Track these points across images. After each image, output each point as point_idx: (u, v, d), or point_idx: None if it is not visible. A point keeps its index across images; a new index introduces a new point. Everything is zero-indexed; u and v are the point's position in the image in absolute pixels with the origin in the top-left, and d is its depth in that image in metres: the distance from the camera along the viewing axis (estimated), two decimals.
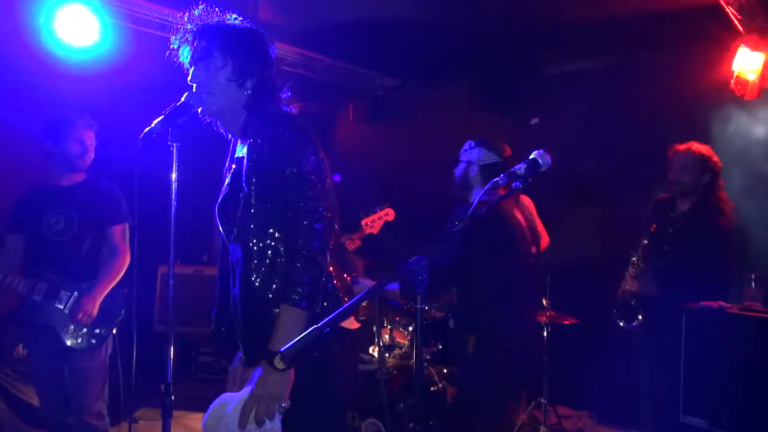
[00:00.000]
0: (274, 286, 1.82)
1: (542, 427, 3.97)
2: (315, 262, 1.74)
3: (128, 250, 3.17)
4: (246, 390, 1.72)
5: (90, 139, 3.12)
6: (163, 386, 1.85)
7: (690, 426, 2.91)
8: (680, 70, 4.32)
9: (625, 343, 3.64)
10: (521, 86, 5.25)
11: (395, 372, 3.92)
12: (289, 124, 1.87)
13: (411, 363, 4.05)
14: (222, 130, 2.08)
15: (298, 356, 1.48)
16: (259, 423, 1.68)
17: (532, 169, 1.73)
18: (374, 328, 4.33)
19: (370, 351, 4.19)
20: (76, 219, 3.04)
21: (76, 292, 2.99)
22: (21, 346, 4.11)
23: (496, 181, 1.72)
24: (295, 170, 1.80)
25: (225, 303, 2.02)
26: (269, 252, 1.84)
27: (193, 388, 5.14)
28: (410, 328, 4.07)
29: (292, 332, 1.66)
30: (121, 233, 3.18)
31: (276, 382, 1.68)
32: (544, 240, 4.51)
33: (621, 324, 3.46)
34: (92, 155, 3.14)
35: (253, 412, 1.68)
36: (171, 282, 1.89)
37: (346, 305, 1.45)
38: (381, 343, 4.13)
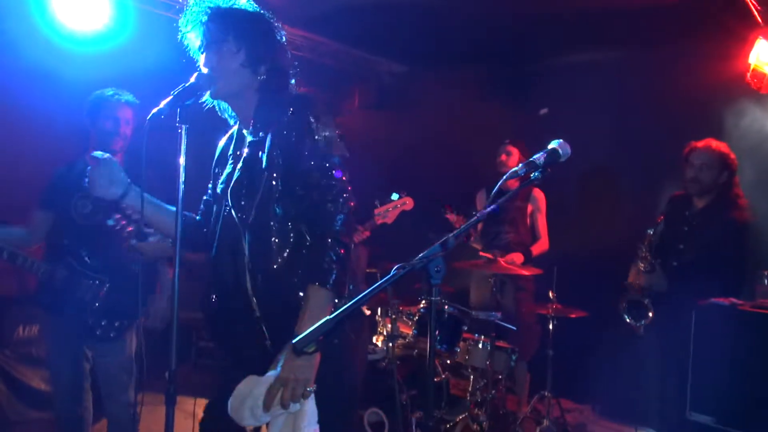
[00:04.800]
0: (299, 269, 1.80)
1: (545, 420, 3.95)
2: (343, 244, 1.74)
3: None
4: (272, 373, 1.72)
5: (126, 116, 2.95)
6: (167, 374, 1.82)
7: (697, 423, 2.88)
8: (694, 62, 4.25)
9: (632, 337, 3.60)
10: (531, 75, 5.18)
11: (398, 362, 3.90)
12: (312, 108, 1.85)
13: (414, 353, 4.03)
14: (227, 115, 2.04)
15: (324, 340, 1.47)
16: (285, 406, 1.68)
17: (551, 159, 1.68)
18: (377, 317, 4.31)
19: (374, 341, 4.17)
20: (104, 204, 2.88)
21: (96, 281, 2.90)
22: (21, 327, 4.09)
23: (516, 170, 1.66)
24: (322, 154, 1.80)
25: (228, 289, 1.98)
26: (291, 235, 1.83)
27: (193, 373, 5.13)
28: (415, 318, 4.03)
29: (320, 314, 1.66)
30: None
31: (302, 366, 1.68)
32: (542, 244, 4.47)
33: (628, 320, 3.42)
34: (128, 134, 2.98)
35: (278, 395, 1.68)
36: (176, 268, 1.84)
37: (365, 292, 1.41)
38: (388, 332, 4.11)
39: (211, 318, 2.04)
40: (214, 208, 2.05)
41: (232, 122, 2.06)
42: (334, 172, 1.79)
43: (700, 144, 3.31)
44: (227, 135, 2.11)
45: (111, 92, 2.97)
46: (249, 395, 1.73)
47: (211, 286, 2.03)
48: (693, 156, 3.31)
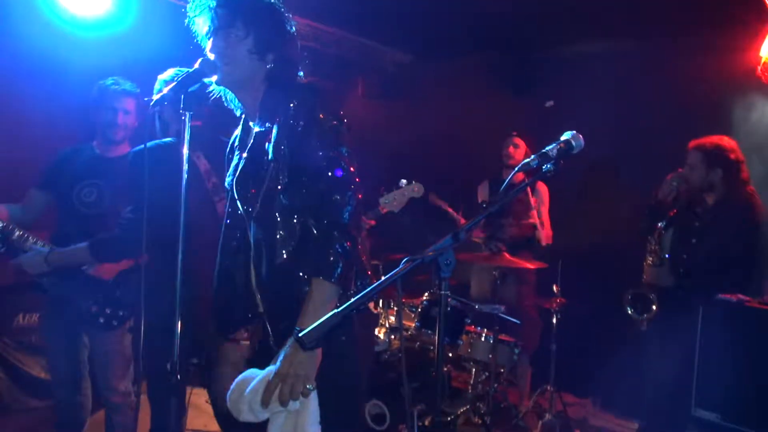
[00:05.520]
0: (304, 262, 1.75)
1: (547, 414, 3.93)
2: (350, 237, 1.69)
3: None
4: (272, 367, 1.66)
5: (125, 106, 2.91)
6: (168, 365, 1.79)
7: (701, 419, 2.86)
8: (703, 54, 4.18)
9: (635, 332, 3.58)
10: (538, 66, 5.12)
11: (400, 354, 3.87)
12: (320, 98, 1.81)
13: (416, 346, 4.01)
14: (233, 106, 1.99)
15: (325, 337, 1.41)
16: (283, 403, 1.62)
17: (564, 151, 1.64)
18: (379, 309, 4.29)
19: (376, 333, 4.14)
20: (109, 193, 2.87)
21: None
22: (21, 315, 4.06)
23: (528, 162, 1.62)
24: (329, 145, 1.76)
25: (233, 283, 1.96)
26: (298, 227, 1.78)
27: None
28: (417, 311, 4.01)
29: (323, 309, 1.61)
30: None
31: (303, 362, 1.62)
32: (547, 233, 4.44)
33: (630, 313, 3.41)
34: (129, 124, 2.94)
35: (277, 391, 1.62)
36: (180, 257, 1.81)
37: (372, 287, 1.38)
38: (390, 325, 4.08)
39: (213, 313, 2.01)
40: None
41: (238, 113, 2.01)
42: (341, 163, 1.74)
43: (691, 144, 3.30)
44: (239, 128, 2.06)
45: (110, 82, 2.92)
46: (248, 390, 1.67)
47: (215, 280, 2.00)
48: (687, 155, 3.31)
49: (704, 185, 3.24)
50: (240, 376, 1.72)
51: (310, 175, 1.75)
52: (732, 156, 3.21)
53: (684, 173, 3.30)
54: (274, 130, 1.81)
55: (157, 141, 2.54)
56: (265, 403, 1.62)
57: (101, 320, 2.85)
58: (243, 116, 1.99)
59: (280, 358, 1.65)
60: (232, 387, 1.72)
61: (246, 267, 1.90)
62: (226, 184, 1.99)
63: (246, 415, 1.67)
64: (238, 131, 2.05)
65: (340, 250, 1.66)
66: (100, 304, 2.85)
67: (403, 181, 3.25)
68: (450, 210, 4.51)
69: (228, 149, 2.06)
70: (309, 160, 1.75)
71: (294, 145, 1.78)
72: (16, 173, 3.25)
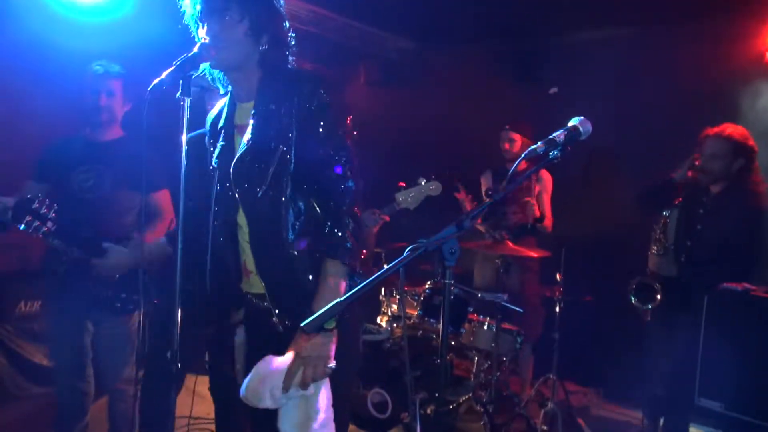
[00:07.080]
0: (310, 244, 1.80)
1: (549, 403, 3.93)
2: (357, 220, 1.76)
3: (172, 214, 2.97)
4: (290, 353, 1.71)
5: (108, 88, 2.86)
6: (169, 353, 1.78)
7: (705, 408, 2.85)
8: (708, 42, 4.14)
9: (638, 321, 3.57)
10: (542, 53, 5.06)
11: (403, 342, 3.86)
12: (321, 83, 1.82)
13: (419, 334, 4.00)
14: (219, 85, 1.98)
15: (342, 316, 1.47)
16: (305, 385, 1.67)
17: (571, 137, 1.61)
18: (381, 298, 4.28)
19: (378, 321, 4.13)
20: (108, 177, 2.83)
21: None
22: (23, 303, 4.06)
23: (535, 148, 1.60)
24: (332, 130, 1.80)
25: (225, 267, 1.96)
26: (303, 211, 1.81)
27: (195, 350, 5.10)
28: (420, 299, 3.99)
29: (338, 289, 1.67)
30: (164, 199, 2.98)
31: (323, 344, 1.68)
32: (547, 222, 4.42)
33: (634, 302, 3.39)
34: (113, 106, 2.88)
35: (299, 374, 1.67)
36: (180, 246, 1.79)
37: (378, 273, 1.37)
38: (393, 313, 4.07)
39: (204, 301, 2.01)
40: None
41: (223, 92, 2.00)
42: (345, 150, 1.80)
43: (713, 131, 3.20)
44: (217, 107, 2.05)
45: (94, 64, 2.88)
46: (269, 376, 1.70)
47: (203, 266, 1.99)
48: (705, 145, 3.21)
49: (723, 174, 3.17)
50: (260, 363, 1.75)
51: (315, 160, 1.78)
52: (756, 147, 3.18)
53: (704, 164, 3.20)
54: (279, 115, 1.81)
55: None
56: (286, 387, 1.67)
57: (117, 304, 2.83)
58: (228, 97, 1.98)
59: (300, 342, 1.69)
60: (251, 375, 1.74)
61: (238, 250, 1.93)
62: (212, 163, 1.97)
63: (267, 401, 1.71)
64: (214, 112, 2.03)
65: (348, 232, 1.73)
66: (116, 288, 2.82)
67: (422, 178, 3.24)
68: (463, 196, 4.47)
69: (210, 128, 2.03)
70: (315, 146, 1.79)
71: (302, 131, 1.80)
72: (15, 163, 3.21)
